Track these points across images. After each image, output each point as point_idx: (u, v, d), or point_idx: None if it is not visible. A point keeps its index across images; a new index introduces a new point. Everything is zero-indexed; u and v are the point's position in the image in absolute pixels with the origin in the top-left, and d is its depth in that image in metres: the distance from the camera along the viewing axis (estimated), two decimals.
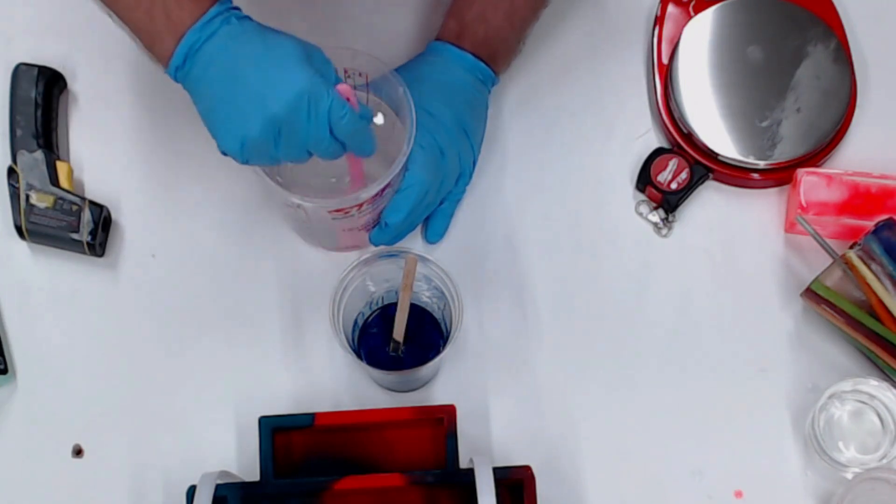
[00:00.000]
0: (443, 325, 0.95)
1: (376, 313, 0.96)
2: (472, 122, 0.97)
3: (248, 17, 0.82)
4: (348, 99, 0.80)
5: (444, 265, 0.88)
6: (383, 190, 0.88)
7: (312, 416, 0.91)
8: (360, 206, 0.88)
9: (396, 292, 0.91)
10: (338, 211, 0.88)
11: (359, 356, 0.94)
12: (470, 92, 0.97)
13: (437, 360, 0.89)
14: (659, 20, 1.04)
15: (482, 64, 0.96)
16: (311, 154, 0.82)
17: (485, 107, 0.99)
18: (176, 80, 0.82)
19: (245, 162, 0.81)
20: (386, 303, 0.96)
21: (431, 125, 0.93)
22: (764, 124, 1.00)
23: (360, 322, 0.96)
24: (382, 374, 0.92)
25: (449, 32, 0.98)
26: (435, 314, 0.95)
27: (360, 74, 0.91)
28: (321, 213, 0.89)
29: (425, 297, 0.94)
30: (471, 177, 0.99)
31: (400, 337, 0.91)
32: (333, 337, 0.88)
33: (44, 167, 0.97)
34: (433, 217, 0.99)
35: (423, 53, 0.99)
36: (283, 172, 0.92)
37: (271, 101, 0.78)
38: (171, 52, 0.80)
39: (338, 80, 0.81)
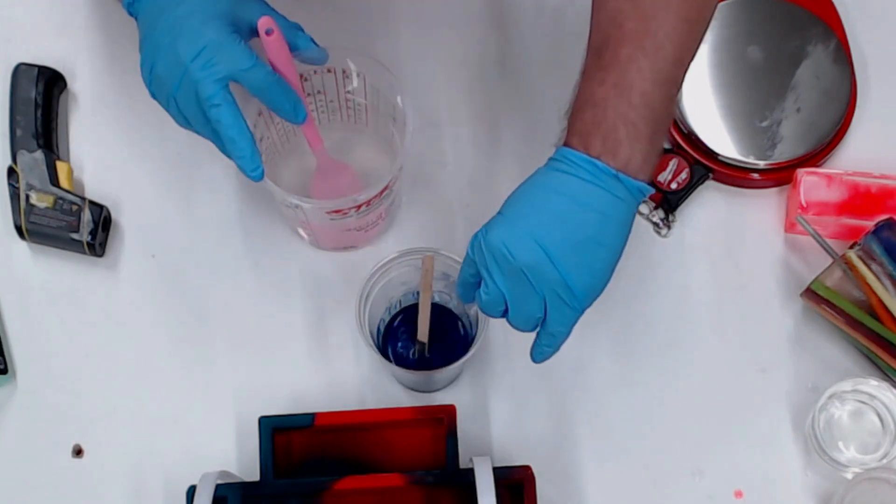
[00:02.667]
0: (465, 321, 0.94)
1: (399, 316, 0.96)
2: (584, 274, 0.75)
3: None
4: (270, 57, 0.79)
5: (458, 259, 0.87)
6: (381, 192, 0.88)
7: (312, 416, 0.91)
8: (359, 207, 0.88)
9: (414, 294, 0.90)
10: (336, 212, 0.88)
11: (386, 357, 0.93)
12: (591, 222, 0.74)
13: (466, 357, 0.87)
14: None
15: (604, 166, 0.72)
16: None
17: (620, 239, 0.75)
18: (130, 14, 0.82)
19: (152, 95, 0.80)
20: (404, 305, 0.96)
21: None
22: (764, 124, 1.00)
23: (383, 328, 0.95)
24: (410, 374, 0.92)
25: (569, 135, 0.75)
26: (455, 310, 0.95)
27: (358, 75, 0.91)
28: (320, 214, 0.89)
29: (444, 295, 0.94)
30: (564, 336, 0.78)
31: (424, 338, 0.91)
32: (360, 339, 0.87)
33: (44, 167, 0.97)
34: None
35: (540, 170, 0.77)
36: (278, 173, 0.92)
37: (179, 46, 0.77)
38: None
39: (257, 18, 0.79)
